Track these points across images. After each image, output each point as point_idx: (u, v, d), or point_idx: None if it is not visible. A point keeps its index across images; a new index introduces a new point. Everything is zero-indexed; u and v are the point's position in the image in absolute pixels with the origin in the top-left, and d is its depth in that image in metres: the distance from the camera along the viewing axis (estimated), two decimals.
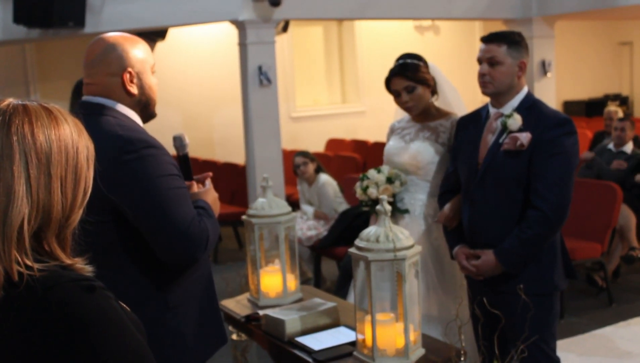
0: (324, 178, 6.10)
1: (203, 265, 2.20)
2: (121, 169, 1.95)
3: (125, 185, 1.96)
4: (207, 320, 2.21)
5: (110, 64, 2.10)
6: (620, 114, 7.24)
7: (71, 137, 1.27)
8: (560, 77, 10.71)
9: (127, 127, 2.03)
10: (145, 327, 1.95)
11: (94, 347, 1.17)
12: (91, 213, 1.85)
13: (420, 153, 3.29)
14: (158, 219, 1.97)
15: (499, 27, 8.30)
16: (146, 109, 2.19)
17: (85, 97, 2.15)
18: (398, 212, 3.32)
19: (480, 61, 2.89)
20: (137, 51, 2.13)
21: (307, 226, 5.91)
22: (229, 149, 9.99)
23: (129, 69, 2.10)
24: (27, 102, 1.26)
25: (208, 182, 2.33)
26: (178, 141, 2.32)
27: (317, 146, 10.40)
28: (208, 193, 2.29)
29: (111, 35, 2.16)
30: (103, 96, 2.11)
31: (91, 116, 2.03)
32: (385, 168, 3.39)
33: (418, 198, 3.34)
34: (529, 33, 8.38)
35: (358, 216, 5.26)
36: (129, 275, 2.03)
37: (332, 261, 6.10)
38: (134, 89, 2.12)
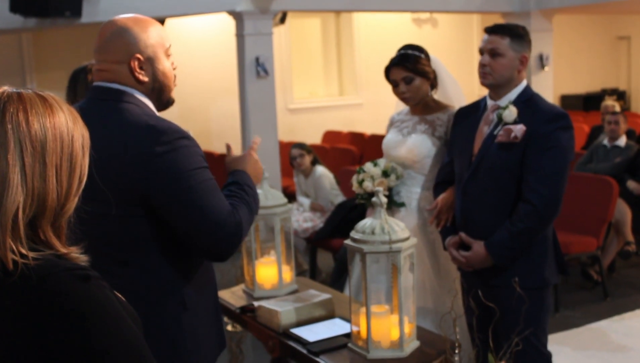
0: (321, 170, 6.10)
1: (211, 266, 2.15)
2: (155, 162, 1.85)
3: (159, 178, 1.86)
4: (215, 322, 2.15)
5: (117, 51, 1.97)
6: (617, 108, 7.25)
7: (66, 125, 1.26)
8: (558, 71, 10.71)
9: (155, 117, 1.94)
10: (163, 327, 1.94)
11: (88, 336, 1.17)
12: (116, 207, 1.82)
13: (417, 147, 3.29)
14: (194, 214, 1.88)
15: (496, 20, 8.28)
16: (161, 97, 2.06)
17: (98, 82, 2.02)
18: (394, 205, 3.32)
19: (482, 51, 2.87)
20: (148, 35, 2.00)
21: (303, 218, 5.92)
22: (226, 140, 9.92)
23: (137, 56, 1.97)
24: (22, 90, 1.25)
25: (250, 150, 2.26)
26: None
27: (313, 138, 10.39)
28: (243, 158, 2.22)
29: (121, 18, 2.02)
30: (115, 82, 1.99)
31: (109, 101, 1.96)
32: (381, 161, 3.39)
33: (414, 192, 3.34)
34: (526, 27, 8.36)
35: (354, 209, 5.27)
36: (150, 272, 1.95)
37: (327, 253, 6.10)
38: (144, 77, 1.99)
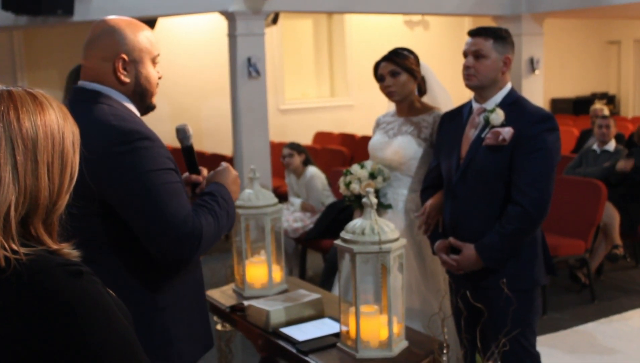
0: (312, 170, 6.10)
1: (195, 266, 2.13)
2: (113, 161, 1.87)
3: (117, 178, 1.87)
4: (196, 322, 2.14)
5: (104, 48, 2.01)
6: (606, 111, 7.28)
7: (57, 122, 1.27)
8: (548, 75, 10.75)
9: (121, 117, 1.94)
10: (135, 326, 1.93)
11: (81, 331, 1.17)
12: (76, 203, 1.82)
13: (403, 148, 3.31)
14: (149, 216, 1.88)
15: (488, 23, 8.31)
16: (142, 101, 2.08)
17: (80, 83, 2.05)
18: (381, 207, 3.33)
19: (465, 54, 2.90)
20: (138, 39, 2.03)
21: (294, 218, 5.92)
22: (217, 140, 9.98)
23: (123, 56, 2.00)
24: (12, 88, 1.26)
25: (223, 164, 2.26)
26: (181, 133, 2.24)
27: (304, 138, 10.40)
28: (223, 173, 2.21)
29: (116, 18, 2.06)
30: (97, 81, 2.02)
31: (85, 103, 1.97)
32: (368, 164, 3.41)
33: (400, 193, 3.36)
34: (517, 30, 8.41)
35: (344, 210, 5.28)
36: (115, 272, 1.93)
37: (317, 254, 6.11)
38: (126, 77, 2.02)
